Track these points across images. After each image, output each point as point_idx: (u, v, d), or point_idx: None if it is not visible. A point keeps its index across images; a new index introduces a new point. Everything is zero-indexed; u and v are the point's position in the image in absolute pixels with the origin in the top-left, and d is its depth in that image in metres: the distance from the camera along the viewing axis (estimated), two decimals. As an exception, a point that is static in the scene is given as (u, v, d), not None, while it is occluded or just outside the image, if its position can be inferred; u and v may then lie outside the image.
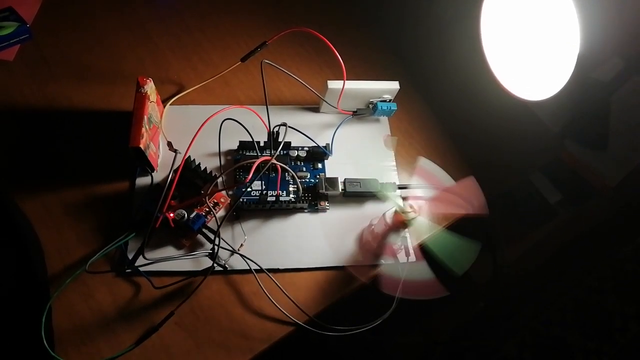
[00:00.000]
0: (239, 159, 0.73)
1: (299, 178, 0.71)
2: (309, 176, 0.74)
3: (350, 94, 0.76)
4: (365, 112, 0.80)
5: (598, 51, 0.61)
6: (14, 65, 0.79)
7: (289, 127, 0.69)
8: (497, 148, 0.82)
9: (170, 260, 0.64)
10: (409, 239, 0.70)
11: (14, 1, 0.82)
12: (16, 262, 0.72)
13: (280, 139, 0.68)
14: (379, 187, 0.72)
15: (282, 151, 0.73)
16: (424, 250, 0.64)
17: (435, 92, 0.88)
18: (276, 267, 0.67)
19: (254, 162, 0.62)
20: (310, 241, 0.70)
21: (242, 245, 0.68)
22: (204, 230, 0.67)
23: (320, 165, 0.76)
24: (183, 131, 0.68)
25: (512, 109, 0.75)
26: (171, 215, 0.65)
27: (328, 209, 0.73)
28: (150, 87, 0.68)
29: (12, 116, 0.75)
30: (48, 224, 0.67)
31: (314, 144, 0.74)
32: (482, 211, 0.61)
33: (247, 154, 0.74)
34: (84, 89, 0.79)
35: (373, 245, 0.69)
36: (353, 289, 0.68)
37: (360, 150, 0.79)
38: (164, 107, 0.77)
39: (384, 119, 0.83)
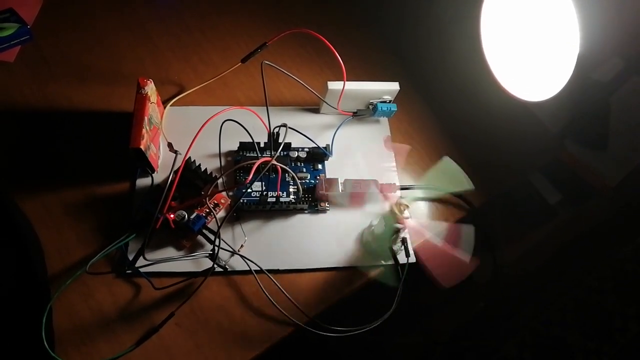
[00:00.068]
0: (239, 160, 0.73)
1: (299, 179, 0.71)
2: (309, 177, 0.74)
3: (350, 95, 0.76)
4: (365, 113, 0.80)
5: (598, 51, 0.61)
6: (14, 66, 0.79)
7: (289, 128, 0.69)
8: (497, 148, 0.82)
9: (171, 261, 0.64)
10: (409, 240, 0.70)
11: (15, 2, 0.82)
12: (16, 262, 0.72)
13: (280, 140, 0.68)
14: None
15: (282, 152, 0.73)
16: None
17: (435, 93, 0.88)
18: (276, 267, 0.67)
19: (254, 163, 0.62)
20: (310, 242, 0.70)
21: (242, 246, 0.68)
22: (204, 231, 0.67)
23: (320, 166, 0.76)
24: (183, 132, 0.68)
25: (511, 109, 0.75)
26: (171, 216, 0.65)
27: (328, 209, 0.73)
28: (150, 88, 0.68)
29: (12, 116, 0.75)
30: (48, 224, 0.67)
31: (314, 145, 0.74)
32: (443, 285, 0.60)
33: (248, 155, 0.74)
34: (84, 90, 0.79)
35: (373, 246, 0.69)
36: (353, 289, 0.68)
37: (360, 151, 0.79)
38: (165, 108, 0.77)
39: (384, 120, 0.83)
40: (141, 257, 0.63)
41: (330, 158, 0.76)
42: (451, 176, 0.67)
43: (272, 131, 0.69)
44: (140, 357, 0.60)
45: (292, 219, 0.72)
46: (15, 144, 0.73)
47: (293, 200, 0.71)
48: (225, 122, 0.68)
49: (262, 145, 0.73)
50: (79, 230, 0.67)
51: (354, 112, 0.80)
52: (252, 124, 0.69)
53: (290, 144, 0.74)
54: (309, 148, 0.76)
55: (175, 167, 0.69)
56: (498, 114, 0.79)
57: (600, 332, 1.10)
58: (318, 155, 0.76)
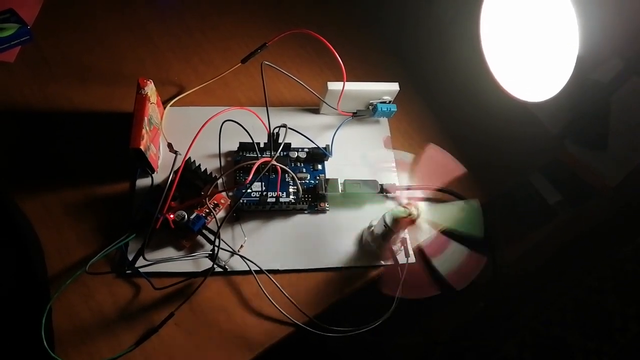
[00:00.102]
0: (239, 160, 0.73)
1: (299, 179, 0.71)
2: (308, 177, 0.74)
3: (350, 96, 0.76)
4: (365, 113, 0.80)
5: (597, 52, 0.61)
6: (14, 67, 0.80)
7: (289, 128, 0.69)
8: (497, 149, 0.82)
9: (171, 261, 0.64)
10: (409, 240, 0.70)
11: (15, 3, 0.83)
12: (16, 262, 0.72)
13: (280, 140, 0.68)
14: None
15: (282, 152, 0.73)
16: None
17: (435, 93, 0.88)
18: (276, 268, 0.67)
19: (254, 164, 0.62)
20: (310, 242, 0.70)
21: (242, 246, 0.68)
22: (204, 231, 0.67)
23: (320, 167, 0.76)
24: (183, 132, 0.69)
25: (511, 110, 0.75)
26: (171, 216, 0.65)
27: (328, 210, 0.73)
28: (150, 89, 0.68)
29: (12, 117, 0.75)
30: (48, 224, 0.67)
31: (314, 145, 0.74)
32: (460, 171, 0.61)
33: (247, 155, 0.74)
34: (85, 90, 0.79)
35: (373, 247, 0.69)
36: (353, 290, 0.68)
37: (360, 152, 0.79)
38: (165, 108, 0.77)
39: (384, 120, 0.83)
40: (141, 257, 0.63)
41: (330, 158, 0.76)
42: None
43: (272, 131, 0.70)
44: (140, 357, 0.60)
45: (292, 219, 0.72)
46: (15, 144, 0.73)
47: (293, 201, 0.71)
48: (225, 123, 0.68)
49: (262, 145, 0.73)
50: (79, 230, 0.67)
51: (353, 113, 0.80)
52: (252, 124, 0.69)
53: (290, 144, 0.74)
54: (308, 148, 0.76)
55: (175, 168, 0.69)
56: (498, 115, 0.79)
57: (600, 332, 1.10)
58: (318, 156, 0.76)
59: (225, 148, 0.74)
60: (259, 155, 0.71)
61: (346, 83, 0.73)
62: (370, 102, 0.79)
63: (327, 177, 0.75)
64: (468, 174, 0.66)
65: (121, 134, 0.65)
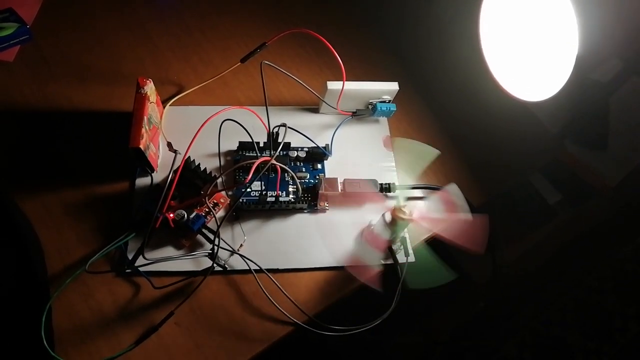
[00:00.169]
0: (238, 160, 0.73)
1: (298, 178, 0.71)
2: (308, 177, 0.74)
3: (349, 95, 0.76)
4: (364, 112, 0.80)
5: (597, 52, 0.61)
6: (14, 66, 0.79)
7: (289, 127, 0.69)
8: (497, 148, 0.82)
9: (170, 260, 0.64)
10: (408, 240, 0.70)
11: (14, 2, 0.82)
12: (16, 262, 0.73)
13: (279, 140, 0.68)
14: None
15: (281, 152, 0.73)
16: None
17: (435, 93, 0.88)
18: (276, 267, 0.67)
19: (253, 163, 0.62)
20: (309, 241, 0.70)
21: (241, 245, 0.68)
22: (203, 230, 0.67)
23: (319, 166, 0.76)
24: (183, 132, 0.69)
25: (511, 109, 0.75)
26: (171, 215, 0.65)
27: (327, 209, 0.73)
28: (150, 88, 0.68)
29: (12, 116, 0.75)
30: (48, 224, 0.67)
31: (314, 145, 0.74)
32: (478, 250, 0.60)
33: (247, 154, 0.74)
34: (84, 89, 0.79)
35: (372, 246, 0.69)
36: (352, 289, 0.68)
37: (359, 151, 0.79)
38: (164, 107, 0.77)
39: (384, 120, 0.83)
40: (141, 257, 0.63)
41: (329, 158, 0.76)
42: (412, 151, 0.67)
43: (271, 131, 0.70)
44: (140, 356, 0.60)
45: (292, 219, 0.72)
46: (15, 144, 0.73)
47: (292, 200, 0.71)
48: (225, 122, 0.69)
49: (261, 144, 0.73)
50: (79, 230, 0.67)
51: (353, 112, 0.80)
52: (251, 123, 0.69)
53: (289, 143, 0.75)
54: (308, 148, 0.76)
55: (175, 167, 0.69)
56: (498, 114, 0.79)
57: (600, 332, 1.10)
58: (317, 155, 0.76)
59: (224, 147, 0.74)
60: (259, 155, 0.71)
61: (346, 82, 0.73)
62: (370, 101, 0.79)
63: (326, 176, 0.75)
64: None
65: (121, 133, 0.65)
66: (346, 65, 0.71)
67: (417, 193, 0.76)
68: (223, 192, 0.71)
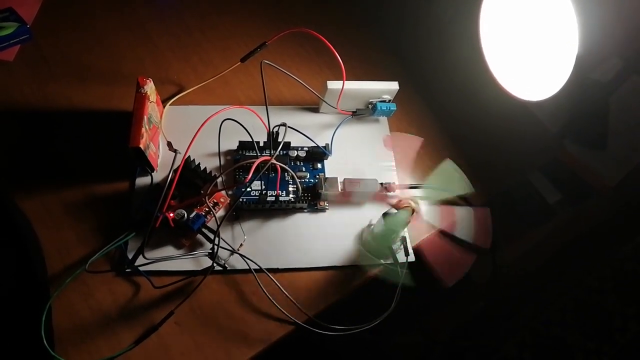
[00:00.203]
0: (238, 159, 0.73)
1: (298, 178, 0.71)
2: (308, 176, 0.74)
3: (349, 94, 0.76)
4: (364, 112, 0.80)
5: (597, 51, 0.61)
6: (14, 66, 0.80)
7: (289, 127, 0.69)
8: (496, 148, 0.82)
9: (170, 259, 0.64)
10: (408, 239, 0.70)
11: (14, 1, 0.83)
12: (16, 262, 0.73)
13: (279, 139, 0.68)
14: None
15: (281, 151, 0.73)
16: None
17: (435, 92, 0.88)
18: (276, 267, 0.67)
19: (253, 162, 0.62)
20: (309, 241, 0.70)
21: (241, 245, 0.68)
22: (203, 230, 0.67)
23: (319, 165, 0.76)
24: (183, 131, 0.69)
25: (511, 109, 0.75)
26: (171, 215, 0.65)
27: (327, 209, 0.73)
28: (150, 87, 0.68)
29: (12, 116, 0.75)
30: (48, 224, 0.67)
31: (314, 144, 0.74)
32: (485, 245, 0.61)
33: (247, 154, 0.74)
34: (84, 89, 0.79)
35: (372, 245, 0.69)
36: (352, 288, 0.68)
37: (359, 151, 0.79)
38: (164, 107, 0.78)
39: (384, 119, 0.83)
40: (141, 256, 0.63)
41: (329, 157, 0.76)
42: (452, 179, 0.67)
43: (271, 130, 0.70)
44: (140, 356, 0.60)
45: (292, 218, 0.72)
46: (15, 144, 0.73)
47: (292, 200, 0.71)
48: (225, 121, 0.69)
49: (261, 144, 0.73)
50: (79, 230, 0.67)
51: (353, 112, 0.80)
52: (251, 123, 0.69)
53: (289, 143, 0.75)
54: (308, 147, 0.76)
55: (175, 166, 0.69)
56: (497, 114, 0.79)
57: (600, 332, 1.10)
58: (317, 155, 0.76)
59: (224, 147, 0.74)
60: (259, 154, 0.71)
61: (346, 82, 0.73)
62: (370, 101, 0.79)
63: (326, 175, 0.75)
64: (468, 173, 0.66)
65: (121, 133, 0.65)
66: (346, 65, 0.71)
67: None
68: (223, 192, 0.71)
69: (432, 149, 0.82)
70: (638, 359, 1.10)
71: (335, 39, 0.70)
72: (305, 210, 0.72)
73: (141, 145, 0.63)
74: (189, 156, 0.68)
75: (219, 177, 0.71)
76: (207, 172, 0.69)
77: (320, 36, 0.69)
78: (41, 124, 0.75)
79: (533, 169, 0.89)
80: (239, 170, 0.73)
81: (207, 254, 0.65)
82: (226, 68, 0.80)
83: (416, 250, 0.70)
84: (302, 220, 0.72)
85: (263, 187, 0.71)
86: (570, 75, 0.60)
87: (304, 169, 0.75)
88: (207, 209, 0.68)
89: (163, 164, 0.73)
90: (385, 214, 0.65)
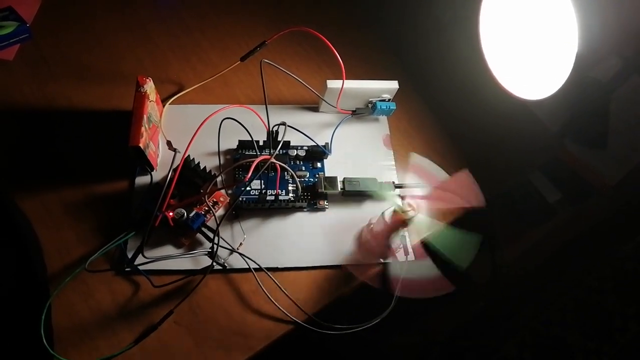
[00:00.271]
0: (238, 158, 0.73)
1: (298, 177, 0.71)
2: (308, 175, 0.74)
3: (349, 94, 0.76)
4: (364, 111, 0.80)
5: (596, 50, 0.61)
6: (13, 65, 0.80)
7: (288, 126, 0.69)
8: (496, 147, 0.82)
9: (170, 259, 0.64)
10: (408, 238, 0.70)
11: (14, 1, 0.83)
12: (16, 262, 0.73)
13: (279, 138, 0.68)
14: (377, 188, 0.72)
15: (281, 150, 0.73)
16: (426, 247, 0.64)
17: (434, 92, 0.88)
18: (275, 266, 0.67)
19: (253, 161, 0.62)
20: (309, 240, 0.70)
21: (241, 244, 0.68)
22: (203, 229, 0.67)
23: (319, 165, 0.76)
24: (182, 130, 0.69)
25: (510, 108, 0.75)
26: (170, 214, 0.65)
27: (327, 208, 0.73)
28: (149, 87, 0.68)
29: (11, 116, 0.75)
30: (48, 224, 0.67)
31: (313, 143, 0.74)
32: (479, 204, 0.61)
33: (247, 153, 0.74)
34: (84, 89, 0.79)
35: (372, 244, 0.69)
36: (352, 288, 0.68)
37: (359, 150, 0.79)
38: (164, 106, 0.78)
39: (383, 119, 0.83)
40: (140, 255, 0.63)
41: (329, 156, 0.76)
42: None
43: (271, 129, 0.70)
44: (139, 355, 0.60)
45: (291, 217, 0.72)
46: (15, 143, 0.73)
47: (292, 199, 0.71)
48: (225, 121, 0.69)
49: (261, 143, 0.73)
50: (79, 230, 0.67)
51: (353, 111, 0.80)
52: (251, 122, 0.69)
53: (289, 142, 0.75)
54: (308, 146, 0.76)
55: (175, 165, 0.69)
56: (497, 113, 0.79)
57: (600, 332, 1.10)
58: (317, 154, 0.76)
59: (224, 146, 0.74)
60: (258, 153, 0.71)
61: (345, 81, 0.73)
62: (370, 100, 0.79)
63: (326, 175, 0.75)
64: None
65: (120, 132, 0.65)
66: (346, 64, 0.71)
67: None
68: (222, 191, 0.71)
69: (431, 148, 0.82)
70: (638, 359, 1.10)
71: (335, 40, 0.70)
72: (305, 210, 0.72)
73: (141, 145, 0.63)
74: (189, 155, 0.68)
75: (218, 176, 0.71)
76: (207, 171, 0.69)
77: (320, 34, 0.69)
78: (41, 124, 0.75)
79: (533, 168, 0.89)
80: (239, 170, 0.73)
81: (206, 253, 0.65)
82: (226, 67, 0.80)
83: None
84: (301, 220, 0.72)
85: (263, 186, 0.71)
86: (570, 74, 0.60)
87: (303, 168, 0.75)
88: (206, 208, 0.68)
89: (163, 163, 0.73)
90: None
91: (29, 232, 0.67)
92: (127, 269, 0.64)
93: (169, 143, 0.72)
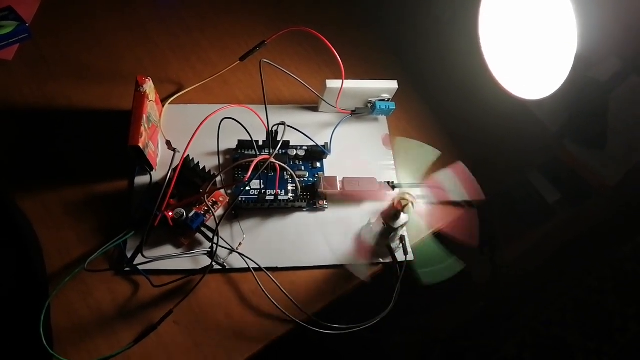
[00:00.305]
0: (237, 158, 0.73)
1: (297, 177, 0.71)
2: (307, 175, 0.74)
3: (349, 93, 0.76)
4: (363, 111, 0.80)
5: (596, 50, 0.61)
6: (13, 65, 0.80)
7: (288, 126, 0.69)
8: (496, 147, 0.82)
9: (169, 258, 0.64)
10: (407, 238, 0.70)
11: (14, 0, 0.83)
12: (16, 262, 0.73)
13: (279, 138, 0.68)
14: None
15: (280, 150, 0.73)
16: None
17: (434, 92, 0.88)
18: (275, 265, 0.67)
19: (252, 161, 0.62)
20: (308, 240, 0.70)
21: (240, 243, 0.68)
22: (202, 229, 0.67)
23: (318, 164, 0.76)
24: (182, 130, 0.69)
25: (510, 108, 0.75)
26: (170, 214, 0.65)
27: (327, 208, 0.73)
28: (149, 86, 0.68)
29: (11, 116, 0.75)
30: (48, 224, 0.67)
31: (313, 143, 0.74)
32: (478, 197, 0.61)
33: (246, 153, 0.74)
34: (84, 89, 0.79)
35: (371, 244, 0.69)
36: (351, 287, 0.68)
37: (358, 150, 0.79)
38: (163, 106, 0.78)
39: (383, 118, 0.83)
40: (139, 255, 0.63)
41: (328, 156, 0.76)
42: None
43: (270, 129, 0.70)
44: (139, 355, 0.60)
45: (291, 217, 0.72)
46: (15, 143, 0.73)
47: (291, 199, 0.71)
48: (224, 120, 0.69)
49: (260, 143, 0.73)
50: (79, 230, 0.67)
51: (352, 111, 0.80)
52: (250, 122, 0.69)
53: (288, 142, 0.75)
54: (307, 146, 0.76)
55: (174, 165, 0.69)
56: (496, 113, 0.79)
57: (600, 332, 1.10)
58: (317, 154, 0.76)
59: (223, 146, 0.74)
60: (258, 153, 0.71)
61: (345, 81, 0.73)
62: (369, 100, 0.79)
63: (325, 174, 0.75)
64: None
65: (120, 132, 0.65)
66: (345, 64, 0.71)
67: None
68: (222, 191, 0.71)
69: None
70: (638, 359, 1.10)
71: (335, 39, 0.70)
72: (305, 209, 0.72)
73: (140, 144, 0.63)
74: (188, 155, 0.68)
75: (217, 176, 0.71)
76: (206, 171, 0.69)
77: (319, 34, 0.69)
78: (41, 124, 0.75)
79: (532, 169, 0.89)
80: (238, 169, 0.73)
81: (206, 252, 0.65)
82: (225, 67, 0.80)
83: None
84: (301, 219, 0.72)
85: (262, 186, 0.71)
86: (569, 74, 0.60)
87: (303, 167, 0.75)
88: (206, 208, 0.68)
89: (162, 162, 0.73)
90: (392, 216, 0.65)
91: (29, 232, 0.67)
92: (126, 269, 0.64)
93: (168, 143, 0.72)
